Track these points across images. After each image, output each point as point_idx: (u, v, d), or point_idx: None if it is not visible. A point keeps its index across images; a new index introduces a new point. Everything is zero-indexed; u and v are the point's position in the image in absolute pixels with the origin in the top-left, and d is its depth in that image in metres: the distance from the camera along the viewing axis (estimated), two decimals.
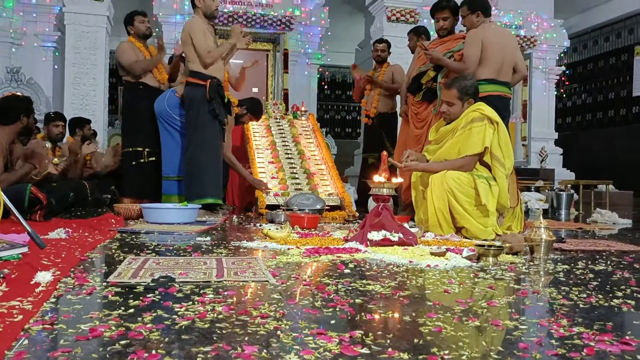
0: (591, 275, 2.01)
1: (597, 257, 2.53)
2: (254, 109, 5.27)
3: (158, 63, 5.06)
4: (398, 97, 6.08)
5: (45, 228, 2.87)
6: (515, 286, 1.79)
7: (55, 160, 4.18)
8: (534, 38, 8.74)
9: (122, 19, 7.91)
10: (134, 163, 4.95)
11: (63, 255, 2.10)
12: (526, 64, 5.34)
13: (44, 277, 1.61)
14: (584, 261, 2.37)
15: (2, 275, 1.62)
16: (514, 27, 8.63)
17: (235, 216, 4.41)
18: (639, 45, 10.00)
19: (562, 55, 9.77)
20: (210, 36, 4.36)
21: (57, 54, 7.54)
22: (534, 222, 2.60)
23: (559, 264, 2.29)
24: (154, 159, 4.89)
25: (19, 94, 5.42)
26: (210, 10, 4.35)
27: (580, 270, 2.12)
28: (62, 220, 3.63)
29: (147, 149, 4.93)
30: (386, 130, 5.86)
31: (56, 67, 7.53)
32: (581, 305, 1.50)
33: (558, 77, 9.53)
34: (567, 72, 10.80)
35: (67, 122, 5.47)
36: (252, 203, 5.13)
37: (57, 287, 1.57)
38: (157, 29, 6.85)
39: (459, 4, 4.29)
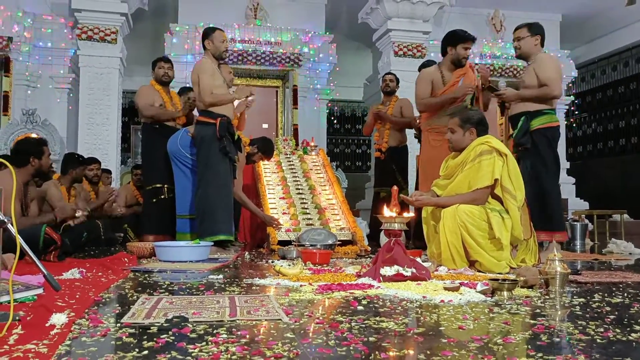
0: (608, 309, 1.98)
1: (614, 289, 2.49)
2: (265, 148, 5.30)
3: (172, 117, 5.13)
4: (408, 131, 6.13)
5: (60, 268, 2.90)
6: (531, 321, 1.77)
7: (79, 214, 4.21)
8: None
9: (134, 60, 8.08)
10: (154, 200, 5.02)
11: (77, 296, 2.12)
12: None
13: (58, 319, 1.62)
14: (601, 294, 2.34)
15: (17, 318, 1.63)
16: None
17: (247, 253, 4.41)
18: None
19: (570, 85, 9.80)
20: (220, 76, 4.44)
21: (71, 95, 7.70)
22: (548, 255, 2.58)
23: (575, 297, 2.26)
24: (173, 195, 4.95)
25: (34, 136, 5.54)
26: (219, 52, 4.45)
27: (597, 303, 2.09)
28: (76, 260, 3.65)
29: (166, 185, 5.01)
30: (397, 164, 5.89)
31: (70, 108, 7.67)
32: (598, 340, 1.48)
33: (567, 107, 9.54)
34: (576, 101, 10.81)
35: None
36: (263, 239, 5.13)
37: (72, 329, 1.58)
38: None
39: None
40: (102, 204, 5.33)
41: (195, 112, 4.84)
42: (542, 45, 4.11)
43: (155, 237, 4.79)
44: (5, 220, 1.66)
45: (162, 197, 5.02)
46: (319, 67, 8.17)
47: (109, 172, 6.43)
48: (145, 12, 8.19)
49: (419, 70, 5.50)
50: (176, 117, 5.16)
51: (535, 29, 4.09)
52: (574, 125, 11.68)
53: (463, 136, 3.43)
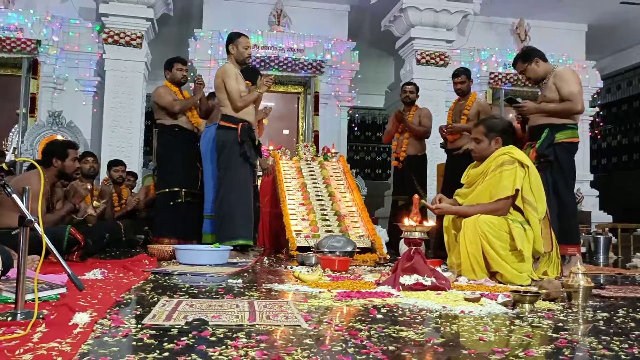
0: (633, 324, 1.94)
1: (639, 304, 2.45)
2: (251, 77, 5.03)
3: (196, 102, 5.20)
4: (427, 140, 6.08)
5: (82, 269, 2.94)
6: (553, 335, 1.74)
7: (96, 203, 4.29)
8: None
9: (159, 64, 8.15)
10: (171, 203, 5.05)
11: (99, 296, 2.14)
12: None
13: (81, 318, 1.65)
14: (625, 309, 2.29)
15: (41, 316, 1.66)
16: None
17: (266, 258, 4.43)
18: None
19: (595, 96, 9.67)
20: (242, 81, 4.49)
21: (96, 98, 7.83)
22: (571, 268, 2.54)
23: (598, 311, 2.23)
24: (190, 199, 4.99)
25: (59, 137, 5.63)
26: (242, 57, 4.49)
27: (621, 319, 2.05)
28: (98, 260, 3.71)
29: (184, 190, 5.04)
30: (416, 172, 5.85)
31: (95, 110, 7.80)
32: (623, 357, 1.45)
33: (592, 118, 9.41)
34: (601, 113, 10.66)
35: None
36: (282, 245, 5.14)
37: (94, 328, 1.60)
38: (191, 74, 7.08)
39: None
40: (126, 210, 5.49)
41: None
42: (545, 60, 4.02)
43: (169, 240, 4.82)
44: (33, 219, 1.69)
45: (179, 200, 5.04)
46: (340, 74, 8.19)
47: (134, 175, 6.52)
48: (170, 17, 8.30)
49: (456, 77, 5.40)
50: (196, 101, 5.20)
51: (528, 56, 3.99)
52: (599, 137, 11.52)
53: (489, 145, 3.37)
